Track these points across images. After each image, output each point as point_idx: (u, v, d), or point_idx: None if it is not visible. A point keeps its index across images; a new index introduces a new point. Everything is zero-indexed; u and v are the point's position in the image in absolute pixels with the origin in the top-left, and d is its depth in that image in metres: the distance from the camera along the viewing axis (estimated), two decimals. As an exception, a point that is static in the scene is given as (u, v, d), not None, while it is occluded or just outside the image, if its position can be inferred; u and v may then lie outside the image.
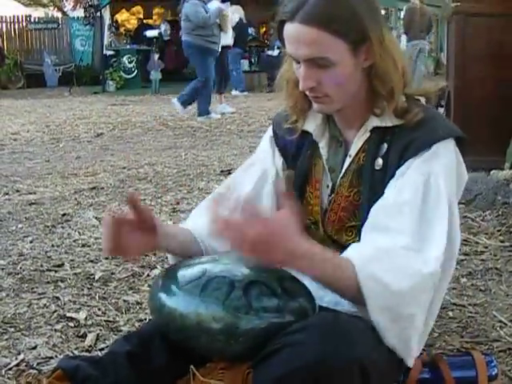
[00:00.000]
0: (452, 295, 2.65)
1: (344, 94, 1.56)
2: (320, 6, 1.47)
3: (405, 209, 1.48)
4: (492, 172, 4.01)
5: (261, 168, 1.80)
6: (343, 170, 1.65)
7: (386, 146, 1.57)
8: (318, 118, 1.68)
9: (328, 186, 1.68)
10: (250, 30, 16.09)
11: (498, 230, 3.50)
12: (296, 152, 1.74)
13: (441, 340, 2.26)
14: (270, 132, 1.84)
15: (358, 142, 1.62)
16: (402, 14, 20.15)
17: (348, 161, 1.64)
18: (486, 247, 3.25)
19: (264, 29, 19.82)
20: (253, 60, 16.03)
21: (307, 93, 1.57)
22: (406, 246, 1.44)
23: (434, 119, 1.59)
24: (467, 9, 4.15)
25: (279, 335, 1.38)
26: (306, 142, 1.72)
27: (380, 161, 1.58)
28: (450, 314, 2.49)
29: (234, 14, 13.76)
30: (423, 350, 2.08)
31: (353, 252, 1.45)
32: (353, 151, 1.63)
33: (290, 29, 1.50)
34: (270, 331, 1.40)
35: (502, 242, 3.34)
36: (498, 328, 2.36)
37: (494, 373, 1.71)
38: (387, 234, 1.46)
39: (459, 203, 1.66)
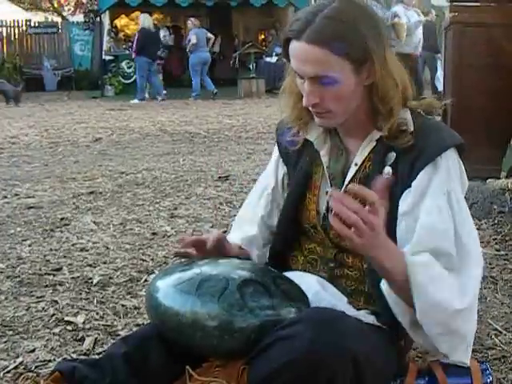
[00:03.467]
0: (448, 303, 2.67)
1: (345, 110, 1.60)
2: (326, 26, 1.51)
3: (445, 235, 1.54)
4: (488, 181, 4.03)
5: (264, 182, 1.92)
6: (348, 178, 1.68)
7: (394, 154, 1.61)
8: (319, 127, 1.72)
9: (327, 193, 1.71)
10: (168, 38, 16.47)
11: (494, 239, 3.52)
12: (297, 160, 1.79)
13: (436, 347, 2.27)
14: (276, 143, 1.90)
15: (363, 151, 1.67)
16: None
17: (354, 169, 1.68)
18: (482, 256, 3.26)
19: (262, 36, 19.86)
20: (251, 67, 16.06)
21: (310, 108, 1.61)
22: (449, 267, 1.53)
23: (440, 128, 1.64)
24: (464, 19, 4.17)
25: (273, 330, 1.40)
26: (306, 150, 1.76)
27: (389, 169, 1.61)
28: (446, 321, 2.50)
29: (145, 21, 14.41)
30: (419, 356, 2.10)
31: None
32: (359, 160, 1.67)
33: (296, 47, 1.54)
34: (264, 328, 1.43)
35: (497, 250, 3.36)
36: (493, 336, 2.37)
37: (488, 380, 1.72)
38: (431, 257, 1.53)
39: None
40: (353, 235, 1.37)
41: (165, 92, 15.27)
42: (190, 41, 15.17)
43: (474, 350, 2.23)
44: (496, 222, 3.78)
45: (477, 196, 3.94)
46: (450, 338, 1.54)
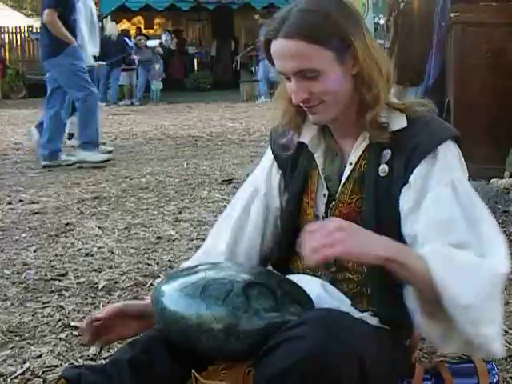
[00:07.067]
0: (453, 303, 2.66)
1: (337, 101, 1.58)
2: (300, 18, 1.51)
3: (452, 224, 1.51)
4: (492, 180, 4.03)
5: (254, 185, 1.86)
6: (344, 178, 1.67)
7: (389, 152, 1.59)
8: (313, 129, 1.71)
9: (324, 195, 1.71)
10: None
11: (499, 238, 3.50)
12: (293, 164, 1.77)
13: (442, 347, 2.27)
14: (269, 148, 1.88)
15: (357, 150, 1.65)
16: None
17: (349, 169, 1.66)
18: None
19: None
20: (253, 69, 16.07)
21: (302, 105, 1.59)
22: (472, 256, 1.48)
23: (433, 122, 1.61)
24: (466, 19, 4.18)
25: (279, 331, 1.41)
26: (301, 154, 1.75)
27: (385, 167, 1.59)
28: (452, 321, 2.50)
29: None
30: (425, 357, 2.10)
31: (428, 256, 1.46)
32: (353, 159, 1.65)
33: (275, 45, 1.54)
34: (269, 330, 1.43)
35: (502, 250, 3.35)
36: (498, 335, 2.37)
37: (495, 380, 1.72)
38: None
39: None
40: (329, 248, 1.35)
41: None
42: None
43: (480, 350, 2.24)
44: (501, 221, 3.77)
45: (481, 196, 3.93)
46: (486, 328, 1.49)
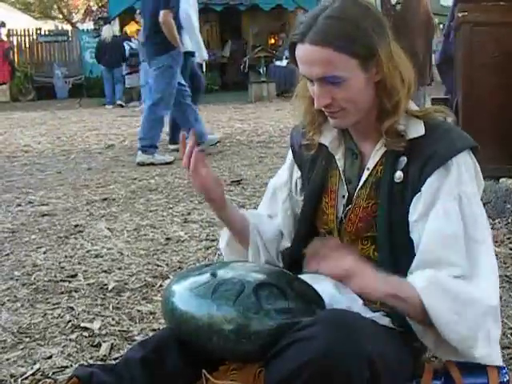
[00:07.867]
0: (463, 303, 2.66)
1: (358, 108, 1.60)
2: (327, 25, 1.52)
3: (453, 241, 1.54)
4: (501, 180, 4.02)
5: (278, 187, 1.94)
6: (361, 182, 1.68)
7: (405, 159, 1.61)
8: (333, 130, 1.73)
9: (344, 197, 1.73)
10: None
11: (508, 238, 3.51)
12: (311, 164, 1.79)
13: (452, 347, 2.27)
14: (290, 148, 1.92)
15: (375, 155, 1.66)
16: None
17: (366, 173, 1.68)
18: (496, 255, 3.24)
19: (272, 40, 19.87)
20: (261, 71, 16.06)
21: (323, 109, 1.61)
22: (457, 275, 1.54)
23: (451, 132, 1.63)
24: (474, 19, 4.16)
25: (289, 332, 1.42)
26: (321, 154, 1.77)
27: (400, 174, 1.61)
28: (461, 321, 2.49)
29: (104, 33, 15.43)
30: (435, 356, 2.10)
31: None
32: (371, 164, 1.67)
33: (300, 50, 1.56)
34: (280, 330, 1.44)
35: (511, 249, 3.35)
36: (508, 335, 2.37)
37: (505, 380, 1.71)
38: (440, 267, 1.54)
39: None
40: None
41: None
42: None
43: (490, 350, 2.23)
44: (509, 221, 3.77)
45: (490, 195, 3.93)
46: (474, 343, 1.56)
